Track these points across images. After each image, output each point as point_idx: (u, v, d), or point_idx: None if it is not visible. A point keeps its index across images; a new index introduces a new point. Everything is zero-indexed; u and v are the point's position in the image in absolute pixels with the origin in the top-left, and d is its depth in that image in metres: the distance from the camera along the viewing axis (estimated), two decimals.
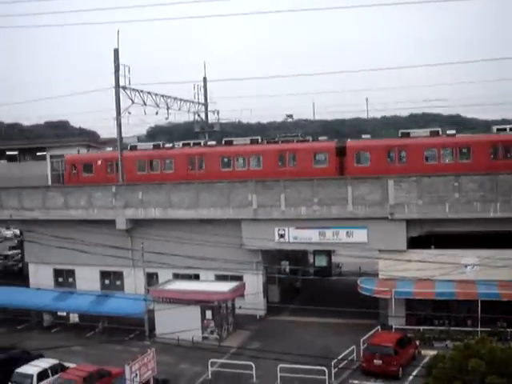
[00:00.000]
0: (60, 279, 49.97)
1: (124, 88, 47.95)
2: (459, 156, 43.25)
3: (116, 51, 46.68)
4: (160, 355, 29.23)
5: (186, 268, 41.86)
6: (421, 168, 42.25)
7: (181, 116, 61.17)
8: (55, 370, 30.81)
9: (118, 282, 47.69)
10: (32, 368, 30.45)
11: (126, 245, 44.58)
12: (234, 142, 50.31)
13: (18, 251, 67.15)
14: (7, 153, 59.46)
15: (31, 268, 50.83)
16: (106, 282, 48.32)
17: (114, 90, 47.50)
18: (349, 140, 48.00)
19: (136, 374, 25.80)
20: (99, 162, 53.44)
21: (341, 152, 46.04)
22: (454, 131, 45.99)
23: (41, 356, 32.82)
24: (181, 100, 57.79)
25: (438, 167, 42.47)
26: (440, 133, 45.32)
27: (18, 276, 56.13)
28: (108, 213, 45.83)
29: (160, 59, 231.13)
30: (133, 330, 39.49)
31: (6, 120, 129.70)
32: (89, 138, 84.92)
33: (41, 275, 49.57)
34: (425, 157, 43.93)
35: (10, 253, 69.61)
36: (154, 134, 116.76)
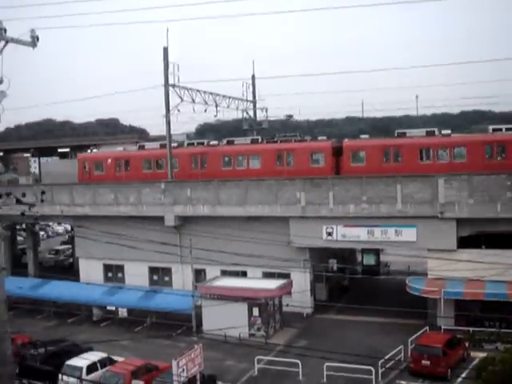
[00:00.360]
0: (109, 274, 50.73)
1: (173, 86, 48.22)
2: (454, 156, 43.80)
3: (165, 49, 46.99)
4: (207, 351, 29.26)
5: (234, 265, 42.04)
6: (415, 168, 42.99)
7: (229, 113, 61.46)
8: (104, 363, 31.28)
9: (167, 278, 48.12)
10: (82, 361, 30.97)
11: (175, 241, 44.83)
12: (235, 142, 51.73)
13: (69, 246, 68.40)
14: (59, 150, 60.60)
15: (81, 263, 51.71)
16: (155, 277, 48.78)
17: (163, 88, 47.90)
18: (346, 140, 48.87)
19: (183, 369, 25.86)
20: (109, 161, 55.65)
21: (338, 152, 46.98)
22: (449, 131, 46.23)
23: (90, 349, 33.35)
24: (229, 97, 57.89)
25: (432, 167, 42.92)
26: (436, 133, 45.67)
27: (69, 270, 57.17)
28: (157, 209, 46.27)
29: (209, 57, 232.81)
30: (180, 325, 39.83)
31: (58, 118, 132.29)
32: (138, 135, 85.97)
33: (91, 270, 50.38)
34: (420, 156, 44.54)
35: (62, 248, 70.93)
36: (203, 131, 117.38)
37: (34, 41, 17.54)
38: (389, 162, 45.18)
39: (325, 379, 29.63)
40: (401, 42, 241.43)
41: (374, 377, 28.69)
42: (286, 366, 30.91)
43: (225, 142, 52.71)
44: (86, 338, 37.16)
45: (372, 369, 28.54)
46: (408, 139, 45.31)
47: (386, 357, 30.61)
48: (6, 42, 17.02)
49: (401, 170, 42.82)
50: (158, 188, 46.58)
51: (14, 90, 17.12)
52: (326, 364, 29.00)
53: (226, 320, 36.12)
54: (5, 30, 16.87)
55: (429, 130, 46.34)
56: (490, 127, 45.64)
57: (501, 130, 44.10)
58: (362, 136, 50.01)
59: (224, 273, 44.05)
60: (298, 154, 47.89)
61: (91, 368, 30.54)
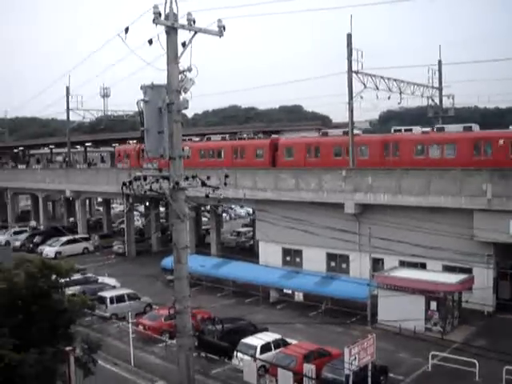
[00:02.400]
0: (288, 258, 51.66)
1: (356, 73, 47.88)
2: (359, 153, 49.74)
3: (349, 36, 46.71)
4: (380, 341, 28.85)
5: (413, 256, 41.05)
6: (330, 162, 50.53)
7: (413, 101, 59.98)
8: (277, 344, 31.90)
9: (344, 265, 48.09)
10: (256, 340, 31.87)
11: (353, 229, 44.59)
12: (212, 139, 64.01)
13: (250, 229, 70.69)
14: (244, 135, 63.05)
15: (261, 246, 53.14)
16: (332, 264, 48.98)
17: (346, 75, 47.69)
18: (282, 137, 60.05)
19: (355, 358, 25.76)
20: (133, 152, 69.54)
21: (277, 147, 56.21)
22: (359, 131, 53.76)
23: (265, 329, 34.25)
24: (414, 84, 56.44)
25: (342, 162, 49.45)
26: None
27: (249, 252, 59.07)
28: (337, 196, 46.26)
29: (394, 43, 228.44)
30: (354, 313, 39.72)
31: (243, 105, 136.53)
32: (321, 122, 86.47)
33: (269, 253, 51.60)
34: (334, 153, 51.92)
35: (243, 230, 73.48)
36: (387, 118, 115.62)
37: (220, 30, 18.13)
38: (311, 158, 52.87)
39: (503, 383, 28.17)
40: None
41: None
42: (461, 364, 29.60)
43: (205, 138, 65.11)
44: (262, 319, 38.16)
45: None
46: (326, 138, 53.55)
47: None
48: (195, 33, 17.73)
49: (319, 164, 50.43)
50: (338, 175, 46.54)
51: (202, 78, 17.81)
52: (506, 367, 27.48)
53: (401, 312, 35.47)
54: (194, 21, 17.58)
55: (345, 130, 50.61)
56: (393, 128, 52.06)
57: (400, 130, 50.16)
58: (302, 134, 59.56)
59: (402, 263, 43.14)
60: (248, 150, 58.17)
61: (265, 348, 31.30)
